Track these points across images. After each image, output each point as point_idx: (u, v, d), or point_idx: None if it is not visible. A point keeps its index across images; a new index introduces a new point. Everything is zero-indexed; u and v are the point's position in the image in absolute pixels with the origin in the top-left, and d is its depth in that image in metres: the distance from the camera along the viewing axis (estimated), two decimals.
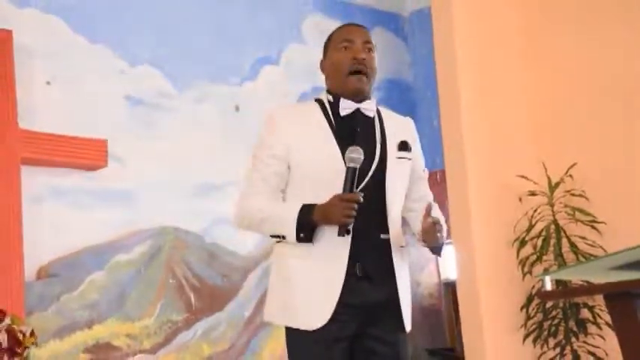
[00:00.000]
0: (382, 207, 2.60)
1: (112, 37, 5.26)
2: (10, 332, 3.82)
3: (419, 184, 2.78)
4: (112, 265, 5.01)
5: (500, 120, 5.27)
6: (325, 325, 2.50)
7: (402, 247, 2.68)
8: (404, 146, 2.69)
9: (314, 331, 2.51)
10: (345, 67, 2.66)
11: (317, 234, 2.53)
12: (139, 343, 5.01)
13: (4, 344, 3.79)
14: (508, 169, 5.14)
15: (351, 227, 2.51)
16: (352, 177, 2.51)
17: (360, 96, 2.69)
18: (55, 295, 4.76)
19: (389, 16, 6.87)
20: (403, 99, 6.70)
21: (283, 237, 2.54)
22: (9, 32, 4.74)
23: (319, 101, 2.71)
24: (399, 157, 2.66)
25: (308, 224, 2.50)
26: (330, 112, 2.66)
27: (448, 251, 6.38)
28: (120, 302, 4.99)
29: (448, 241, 6.13)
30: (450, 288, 6.38)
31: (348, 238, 2.53)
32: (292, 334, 2.58)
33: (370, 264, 2.58)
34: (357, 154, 2.52)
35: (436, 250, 2.68)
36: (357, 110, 2.68)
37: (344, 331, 2.54)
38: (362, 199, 2.50)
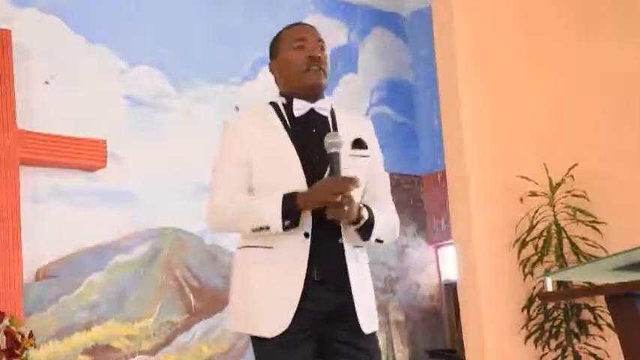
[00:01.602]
0: None
1: (112, 37, 5.26)
2: (8, 334, 3.82)
3: (375, 184, 2.73)
4: (111, 266, 5.00)
5: (501, 120, 5.26)
6: (285, 332, 2.49)
7: (357, 247, 2.63)
8: (358, 144, 2.65)
9: (275, 337, 2.50)
10: (302, 65, 2.63)
11: (276, 240, 2.53)
12: (139, 344, 5.00)
13: (3, 345, 3.79)
14: (509, 169, 5.12)
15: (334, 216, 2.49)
16: (337, 161, 2.51)
17: (317, 91, 2.66)
18: (54, 296, 4.75)
19: (389, 16, 6.85)
20: (403, 99, 6.69)
21: (267, 228, 2.51)
22: (8, 32, 4.74)
23: (273, 104, 2.69)
24: (352, 155, 2.62)
25: (291, 210, 2.48)
26: (284, 114, 2.65)
27: (449, 252, 6.41)
28: (119, 303, 4.98)
29: (449, 241, 6.14)
30: (450, 289, 6.37)
31: (307, 243, 2.52)
32: (256, 341, 2.58)
33: (327, 268, 2.55)
34: (336, 138, 2.52)
35: (361, 229, 2.58)
36: (312, 110, 2.65)
37: (305, 336, 2.53)
38: (357, 184, 2.49)
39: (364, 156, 2.66)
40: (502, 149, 5.21)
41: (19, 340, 3.84)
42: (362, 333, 2.58)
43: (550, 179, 5.10)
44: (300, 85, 2.64)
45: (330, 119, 2.68)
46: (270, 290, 2.54)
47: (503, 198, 5.13)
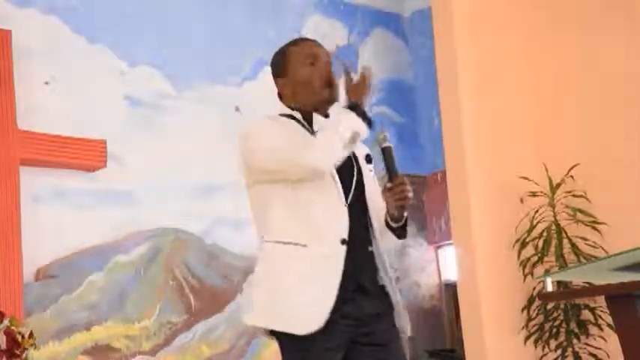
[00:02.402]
0: (366, 218, 2.62)
1: (112, 37, 5.25)
2: (8, 334, 3.82)
3: (378, 197, 2.77)
4: (111, 267, 4.99)
5: (501, 120, 5.26)
6: (317, 333, 2.47)
7: (380, 255, 2.67)
8: (369, 159, 2.73)
9: (306, 337, 2.48)
10: (319, 82, 2.65)
11: (311, 238, 2.53)
12: (139, 344, 5.00)
13: (3, 346, 3.78)
14: (509, 169, 5.13)
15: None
16: (392, 154, 2.57)
17: (331, 105, 2.69)
18: (54, 296, 4.74)
19: (389, 17, 6.85)
20: (403, 99, 6.69)
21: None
22: (8, 32, 4.74)
23: (290, 116, 2.69)
24: (369, 170, 2.70)
25: None
26: (307, 128, 2.65)
27: (449, 252, 6.40)
28: (119, 303, 4.98)
29: (449, 241, 6.14)
30: (450, 289, 6.37)
31: (343, 250, 2.53)
32: (284, 337, 2.55)
33: (362, 276, 2.57)
34: (385, 133, 2.59)
35: (400, 229, 2.65)
36: None
37: (336, 340, 2.52)
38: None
39: (372, 170, 2.73)
40: (502, 149, 5.21)
41: (19, 340, 3.84)
42: (398, 335, 2.64)
43: (550, 179, 5.11)
44: (316, 103, 2.66)
45: None
46: (305, 288, 2.51)
47: (503, 198, 5.13)
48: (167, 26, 5.53)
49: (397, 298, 2.67)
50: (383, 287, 2.62)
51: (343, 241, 2.53)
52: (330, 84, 2.66)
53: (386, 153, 2.57)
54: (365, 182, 2.64)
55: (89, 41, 5.16)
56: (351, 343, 2.56)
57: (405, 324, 2.70)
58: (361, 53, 6.53)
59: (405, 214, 2.62)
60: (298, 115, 2.67)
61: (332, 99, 2.67)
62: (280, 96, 2.75)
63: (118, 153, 5.09)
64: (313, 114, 2.66)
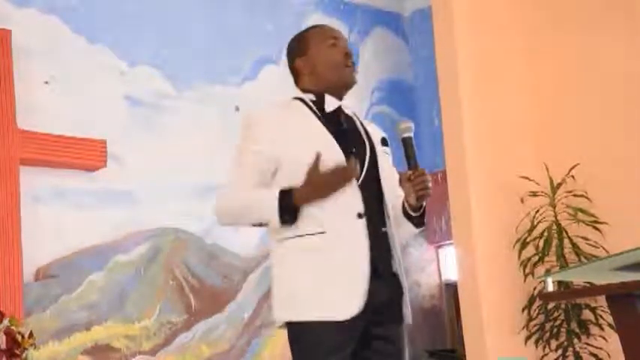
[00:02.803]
0: (380, 199, 2.60)
1: (112, 37, 5.25)
2: (8, 334, 3.81)
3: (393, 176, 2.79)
4: (111, 266, 4.99)
5: (502, 120, 5.26)
6: (354, 317, 2.46)
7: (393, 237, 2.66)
8: (385, 142, 2.73)
9: (323, 325, 2.47)
10: (340, 61, 2.68)
11: (325, 222, 2.49)
12: (139, 344, 5.00)
13: (3, 345, 3.78)
14: (509, 169, 5.12)
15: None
16: (412, 145, 2.59)
17: (350, 87, 2.72)
18: (54, 296, 4.74)
19: (389, 16, 6.85)
20: (403, 99, 6.68)
21: (265, 224, 2.52)
22: (8, 32, 4.73)
23: (300, 99, 2.69)
24: (384, 152, 2.70)
25: (290, 206, 2.48)
26: (315, 110, 2.66)
27: (449, 252, 6.40)
28: (119, 303, 4.97)
29: (449, 241, 6.13)
30: (451, 289, 6.36)
31: (363, 224, 2.51)
32: (303, 331, 2.52)
33: (376, 258, 2.54)
34: (409, 123, 2.61)
35: (419, 217, 2.63)
36: (339, 107, 2.69)
37: (352, 330, 2.50)
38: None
39: (389, 153, 2.73)
40: (502, 149, 5.21)
41: (19, 340, 3.84)
42: (402, 322, 2.67)
43: (551, 179, 5.10)
44: (337, 81, 2.68)
45: (354, 118, 2.72)
46: (334, 275, 2.49)
47: (503, 198, 5.12)
48: (167, 26, 5.52)
49: (405, 283, 2.65)
50: (395, 271, 2.60)
51: (360, 215, 2.52)
52: (350, 65, 2.68)
53: (406, 143, 2.58)
54: (379, 163, 2.63)
55: (89, 41, 5.16)
56: (365, 333, 2.54)
57: (407, 312, 2.69)
58: (361, 53, 6.53)
59: (424, 203, 2.62)
60: (310, 98, 2.67)
61: (351, 81, 2.69)
62: (296, 79, 2.76)
63: (117, 153, 5.09)
64: (325, 95, 2.65)
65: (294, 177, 2.52)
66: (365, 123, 2.75)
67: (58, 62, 5.01)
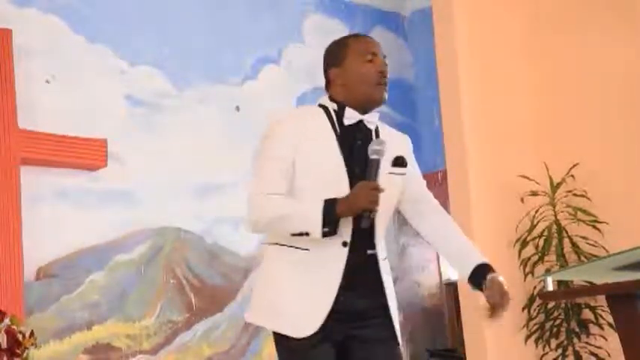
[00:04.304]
0: (371, 223, 2.59)
1: (112, 36, 5.25)
2: (9, 333, 3.81)
3: (420, 188, 2.81)
4: (111, 266, 4.99)
5: (502, 120, 5.26)
6: (313, 334, 2.52)
7: (385, 259, 2.69)
8: (399, 161, 2.70)
9: (301, 338, 2.53)
10: (373, 79, 2.66)
11: (313, 243, 2.55)
12: (139, 343, 5.00)
13: (4, 345, 3.78)
14: (510, 169, 5.13)
15: (368, 221, 2.52)
16: (376, 168, 2.55)
17: (380, 106, 2.71)
18: (55, 295, 4.74)
19: (390, 16, 6.85)
20: (404, 99, 6.68)
21: (307, 234, 2.52)
22: (9, 31, 4.73)
23: (323, 107, 2.70)
24: (391, 173, 2.67)
25: (332, 218, 2.50)
26: (335, 121, 2.66)
27: None
28: (120, 303, 4.98)
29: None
30: (451, 288, 6.37)
31: (345, 252, 2.55)
32: (280, 338, 2.60)
33: (359, 278, 2.59)
34: (381, 146, 2.57)
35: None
36: (360, 121, 2.67)
37: (331, 335, 2.55)
38: (383, 191, 2.54)
39: (402, 174, 2.71)
40: (502, 149, 5.21)
41: (20, 339, 3.84)
42: (395, 339, 2.63)
43: (551, 179, 5.11)
44: (368, 98, 2.66)
45: (374, 134, 2.70)
46: (304, 292, 2.55)
47: (503, 198, 5.13)
48: (168, 26, 5.52)
49: (393, 303, 2.67)
50: (381, 287, 2.62)
51: (344, 244, 2.56)
52: (383, 83, 2.67)
53: (370, 163, 2.55)
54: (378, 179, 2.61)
55: (90, 40, 5.16)
56: (346, 338, 2.58)
57: (399, 329, 2.68)
58: None
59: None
60: (333, 107, 2.68)
61: (381, 99, 2.68)
62: (327, 85, 2.75)
63: (118, 152, 5.09)
64: (346, 108, 2.65)
65: (308, 188, 2.56)
66: (385, 138, 2.69)
67: (58, 62, 5.01)
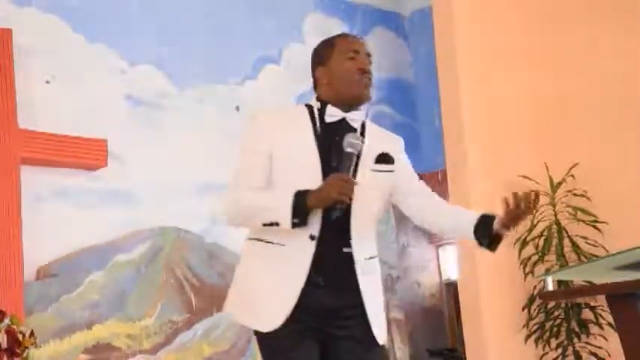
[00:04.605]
0: (346, 219, 2.59)
1: (112, 36, 5.25)
2: (9, 333, 3.82)
3: (412, 183, 2.80)
4: (112, 266, 4.99)
5: (502, 119, 5.26)
6: (285, 325, 2.52)
7: (370, 258, 2.67)
8: (383, 158, 2.68)
9: (270, 332, 2.54)
10: (354, 76, 2.67)
11: (287, 238, 2.55)
12: (139, 343, 5.00)
13: (4, 344, 3.78)
14: (510, 168, 5.12)
15: (339, 212, 2.51)
16: (350, 161, 2.54)
17: (361, 102, 2.70)
18: (55, 295, 4.74)
19: (390, 16, 6.85)
20: (404, 98, 6.69)
21: (277, 224, 2.53)
22: (9, 31, 4.73)
23: (309, 106, 2.72)
24: (375, 170, 2.66)
25: (302, 208, 2.50)
26: (317, 119, 2.68)
27: (450, 251, 6.40)
28: (120, 302, 4.98)
29: (450, 241, 6.13)
30: (451, 288, 6.37)
31: (313, 246, 2.55)
32: (256, 332, 2.63)
33: (331, 275, 2.58)
34: (356, 139, 2.56)
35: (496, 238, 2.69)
36: (343, 119, 2.67)
37: (306, 329, 2.55)
38: (357, 184, 2.53)
39: (388, 171, 2.69)
40: (502, 149, 5.21)
41: (20, 339, 3.84)
42: (374, 341, 2.61)
43: (551, 178, 5.10)
44: (348, 94, 2.67)
45: (359, 130, 2.69)
46: (271, 287, 2.57)
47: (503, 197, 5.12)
48: (168, 25, 5.53)
49: (373, 303, 2.64)
50: (356, 287, 2.60)
51: (312, 237, 2.55)
52: (364, 80, 2.67)
53: (345, 156, 2.54)
54: (357, 181, 2.58)
55: (90, 40, 5.16)
56: (327, 336, 2.58)
57: (379, 331, 2.64)
58: None
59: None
60: (317, 105, 2.69)
61: (361, 95, 2.68)
62: (315, 85, 2.77)
63: (118, 152, 5.09)
64: (328, 106, 2.66)
65: (283, 183, 2.57)
66: (372, 137, 2.70)
67: (58, 61, 5.01)
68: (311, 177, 2.55)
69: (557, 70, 5.31)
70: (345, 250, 2.60)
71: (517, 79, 5.33)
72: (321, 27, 6.23)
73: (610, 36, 5.11)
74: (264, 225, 2.56)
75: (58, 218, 4.83)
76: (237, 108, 5.71)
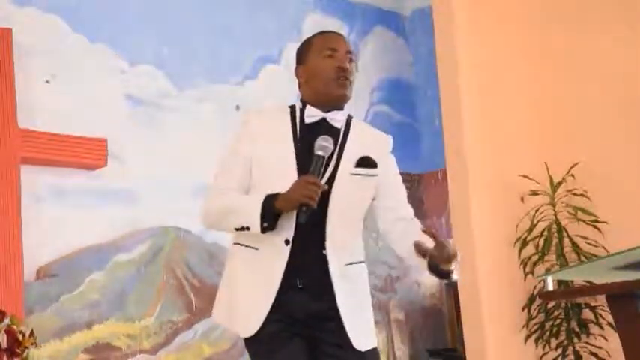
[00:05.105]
0: (322, 222, 2.56)
1: (112, 36, 5.25)
2: (9, 332, 3.82)
3: (389, 198, 2.70)
4: (112, 265, 4.99)
5: (502, 119, 5.26)
6: (263, 329, 2.52)
7: (351, 264, 2.61)
8: (365, 162, 2.62)
9: (254, 334, 2.54)
10: (331, 74, 2.62)
11: (262, 242, 2.54)
12: (139, 343, 5.00)
13: (4, 344, 3.78)
14: (510, 168, 5.13)
15: (305, 216, 2.47)
16: (319, 165, 2.50)
17: (340, 101, 2.65)
18: (55, 295, 4.74)
19: (390, 15, 6.85)
20: (404, 98, 6.68)
21: (247, 228, 2.51)
22: (9, 31, 4.73)
23: (291, 107, 2.70)
24: (355, 174, 2.61)
25: (271, 212, 2.48)
26: (297, 120, 2.65)
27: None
28: (120, 302, 4.98)
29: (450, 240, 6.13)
30: (451, 288, 6.36)
31: (287, 249, 2.52)
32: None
33: (307, 277, 2.55)
34: (327, 142, 2.51)
35: (443, 272, 2.61)
36: (324, 119, 2.63)
37: (286, 331, 2.54)
38: (326, 188, 2.50)
39: (370, 175, 2.64)
40: (502, 148, 5.21)
41: (20, 338, 3.84)
42: (351, 346, 2.56)
43: (551, 178, 5.11)
44: (325, 94, 2.63)
45: (342, 132, 2.65)
46: (248, 291, 2.56)
47: (503, 197, 5.13)
48: (168, 25, 5.52)
49: (351, 306, 2.59)
50: (331, 289, 2.56)
51: (287, 242, 2.53)
52: (342, 78, 2.62)
53: (316, 160, 2.50)
54: (336, 184, 2.57)
55: (90, 40, 5.16)
56: (313, 340, 2.57)
57: (358, 341, 2.58)
58: (361, 52, 6.53)
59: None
60: (299, 106, 2.67)
61: (338, 95, 2.63)
62: (298, 84, 2.75)
63: (118, 152, 5.09)
64: (307, 106, 2.63)
65: (261, 185, 2.56)
66: (356, 138, 2.65)
67: (58, 61, 5.01)
68: (287, 181, 2.50)
69: (557, 70, 5.31)
70: (323, 252, 2.56)
71: (517, 78, 5.33)
72: (321, 27, 6.16)
73: (610, 36, 5.11)
74: (236, 230, 2.55)
75: (58, 218, 4.83)
76: (237, 107, 5.71)
